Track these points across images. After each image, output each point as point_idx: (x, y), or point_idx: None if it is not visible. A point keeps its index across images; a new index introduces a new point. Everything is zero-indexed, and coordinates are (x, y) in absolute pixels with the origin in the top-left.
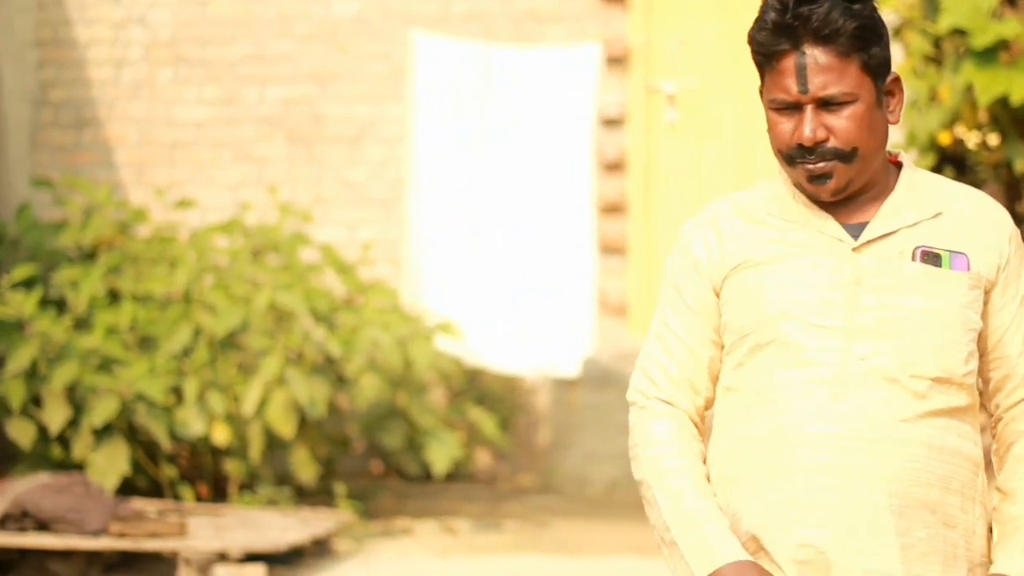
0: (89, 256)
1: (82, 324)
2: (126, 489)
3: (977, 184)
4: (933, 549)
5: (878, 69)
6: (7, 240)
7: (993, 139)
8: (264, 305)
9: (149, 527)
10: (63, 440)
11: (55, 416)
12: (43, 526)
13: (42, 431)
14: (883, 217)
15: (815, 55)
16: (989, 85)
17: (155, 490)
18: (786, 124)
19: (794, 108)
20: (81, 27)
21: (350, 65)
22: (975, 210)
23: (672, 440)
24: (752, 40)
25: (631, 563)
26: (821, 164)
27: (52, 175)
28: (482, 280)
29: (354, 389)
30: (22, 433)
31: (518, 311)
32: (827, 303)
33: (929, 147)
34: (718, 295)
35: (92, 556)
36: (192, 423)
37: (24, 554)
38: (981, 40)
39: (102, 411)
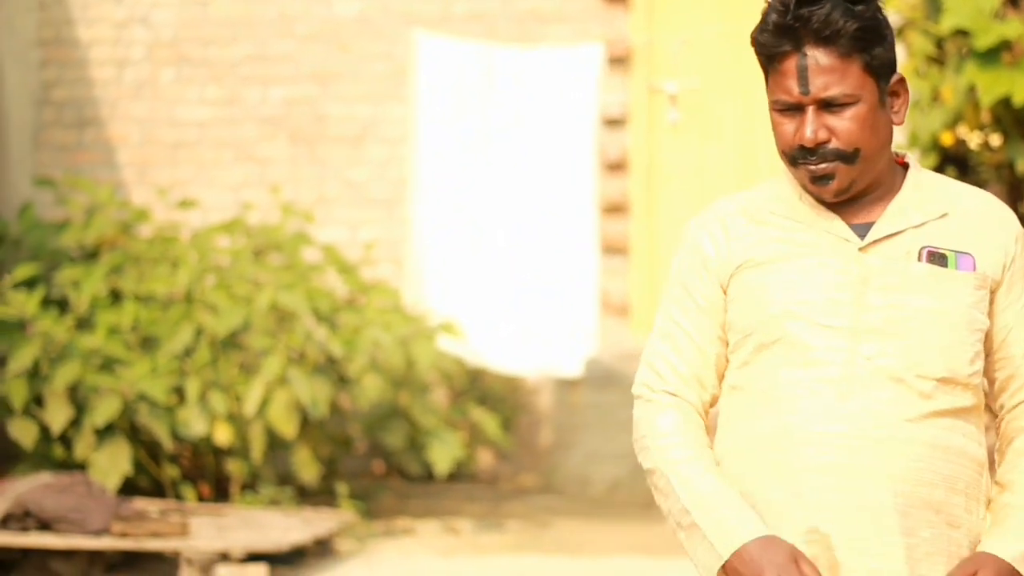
0: (91, 256)
1: (84, 324)
2: (128, 489)
3: (979, 184)
4: (937, 549)
5: (881, 70)
6: (9, 239)
7: (995, 139)
8: (266, 305)
9: (151, 527)
10: (65, 440)
11: (57, 416)
12: (45, 526)
13: (44, 431)
14: (889, 217)
15: (816, 56)
16: (991, 86)
17: (157, 490)
18: (788, 125)
19: (796, 109)
20: (83, 27)
21: (352, 65)
22: (981, 210)
23: (680, 431)
24: (755, 41)
25: (633, 563)
26: (823, 165)
27: (54, 174)
28: (484, 280)
29: (356, 389)
30: (24, 433)
31: (520, 311)
32: (833, 303)
33: (931, 147)
34: (725, 292)
35: (94, 556)
36: (194, 423)
37: (26, 554)
38: (983, 41)
39: (104, 411)
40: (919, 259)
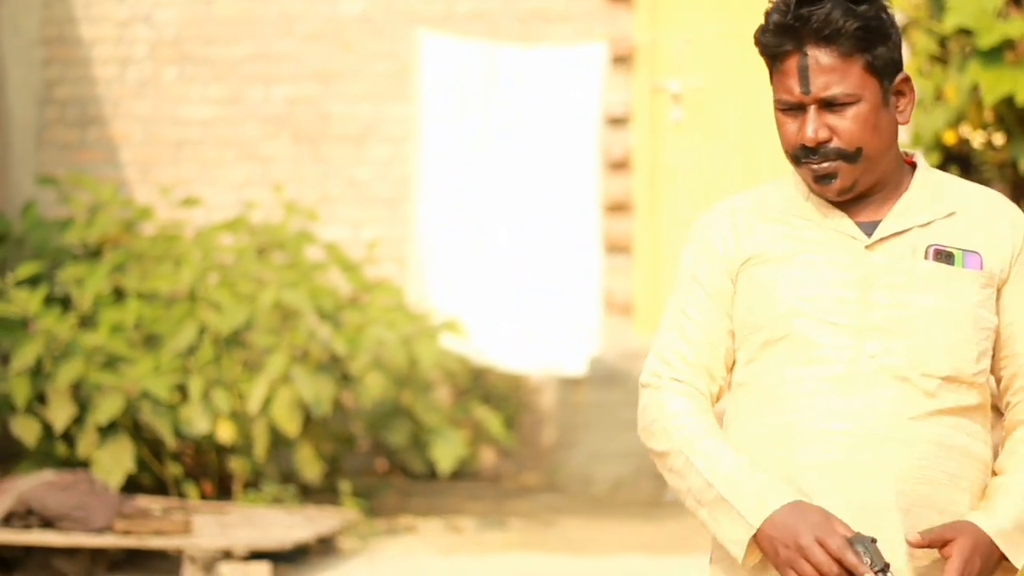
0: (94, 254)
1: (87, 322)
2: (131, 487)
3: (983, 184)
4: None
5: (884, 69)
6: (12, 238)
7: (998, 139)
8: (269, 303)
9: (154, 525)
10: (68, 438)
11: (60, 414)
12: (48, 524)
13: (47, 429)
14: (896, 215)
15: (817, 56)
16: (995, 85)
17: (160, 488)
18: (791, 125)
19: (798, 109)
20: (86, 25)
21: (355, 64)
22: (989, 209)
23: (692, 412)
24: (757, 41)
25: (636, 561)
26: (825, 164)
27: (57, 173)
28: (487, 279)
29: (359, 387)
30: (27, 431)
31: (523, 310)
32: (839, 300)
33: (934, 146)
34: (734, 285)
35: (97, 554)
36: (197, 421)
37: (29, 551)
38: (987, 40)
39: (107, 409)
40: (925, 257)
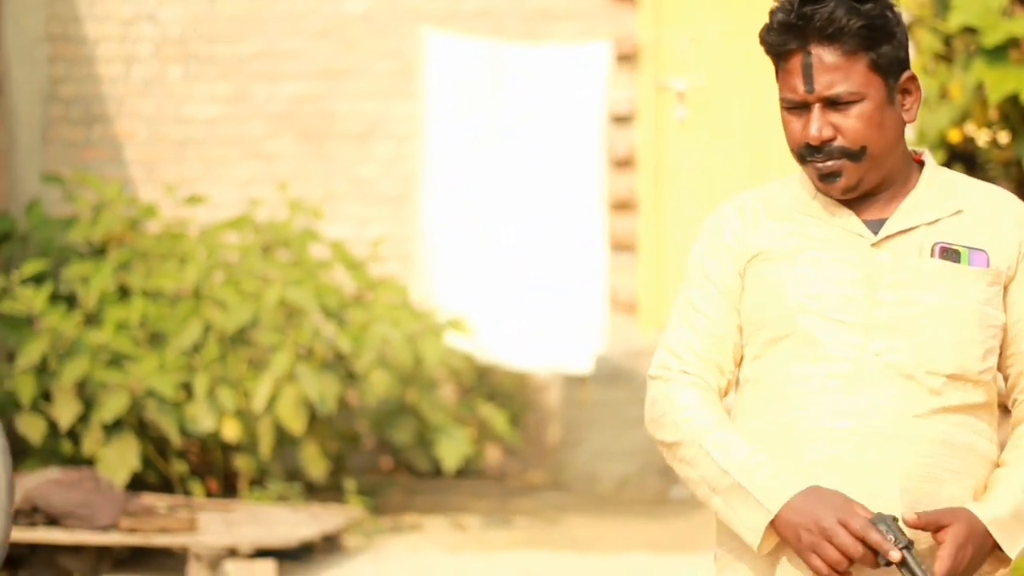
0: (99, 252)
1: (92, 320)
2: (136, 484)
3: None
4: None
5: (889, 68)
6: (17, 236)
7: (1003, 137)
8: (274, 301)
9: (159, 522)
10: (73, 435)
11: (65, 411)
12: (53, 521)
13: (52, 426)
14: (903, 213)
15: (820, 54)
16: (999, 83)
17: (165, 485)
18: (796, 123)
19: (803, 107)
20: (91, 23)
21: (360, 62)
22: (996, 207)
23: (702, 405)
24: (762, 40)
25: (642, 560)
26: (830, 163)
27: (62, 171)
28: (492, 277)
29: (364, 385)
30: (32, 428)
31: (528, 308)
32: (846, 298)
33: (939, 145)
34: (742, 280)
35: (102, 551)
36: (202, 419)
37: (34, 549)
38: (991, 38)
39: (112, 407)
40: (932, 255)
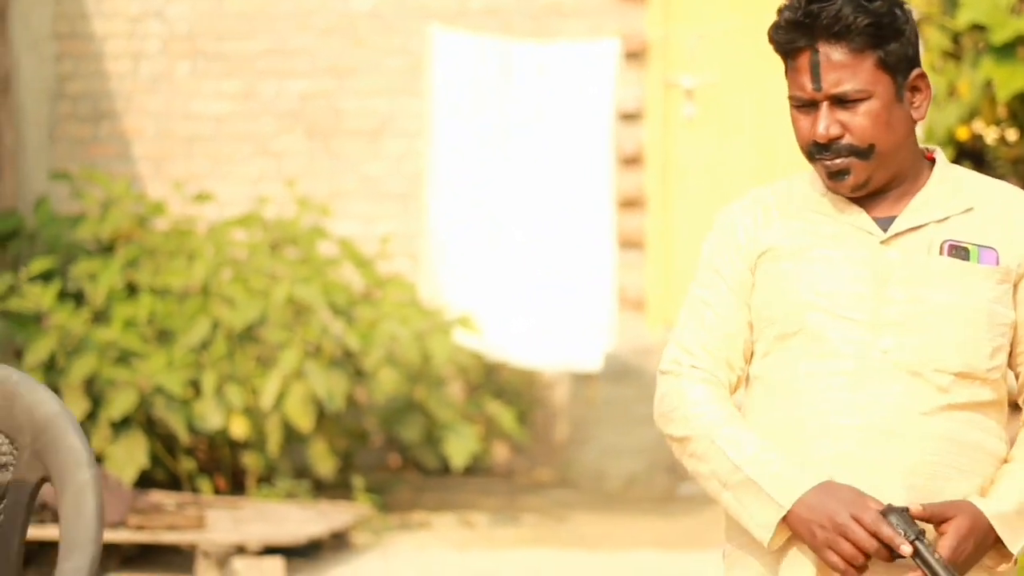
0: (107, 249)
1: (100, 317)
2: (144, 482)
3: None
4: None
5: (897, 65)
6: (25, 233)
7: (1012, 134)
8: (282, 298)
9: (167, 520)
10: None
11: (73, 408)
12: None
13: None
14: (912, 211)
15: (828, 52)
16: (1008, 80)
17: (173, 483)
18: (805, 121)
19: (811, 105)
20: (99, 20)
21: (368, 59)
22: (1007, 205)
23: (712, 400)
24: (771, 38)
25: (650, 557)
26: (838, 161)
27: (70, 168)
28: (500, 274)
29: (372, 382)
30: None
31: (536, 305)
32: (854, 295)
33: (947, 143)
34: (752, 276)
35: (110, 548)
36: (210, 416)
37: (42, 546)
38: (1000, 35)
39: (120, 404)
40: (940, 253)
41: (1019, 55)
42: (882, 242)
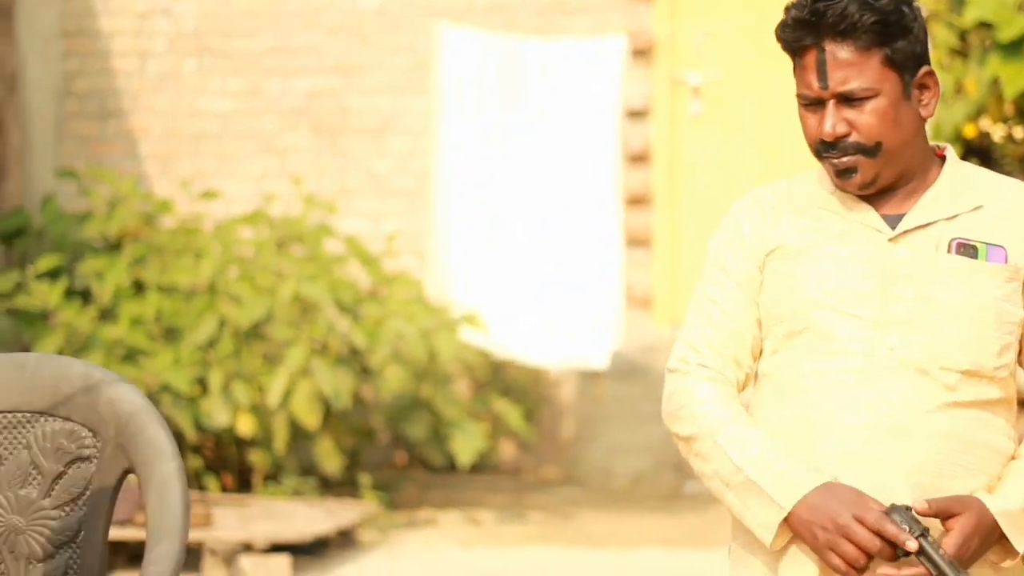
0: (114, 247)
1: (107, 315)
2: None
3: None
4: None
5: (905, 63)
6: (32, 231)
7: (1019, 132)
8: (289, 296)
9: None
10: None
11: None
12: None
13: None
14: (921, 208)
15: (834, 50)
16: (1015, 78)
17: None
18: (812, 119)
19: (818, 103)
20: (105, 18)
21: (374, 57)
22: (1018, 203)
23: (719, 399)
24: (778, 36)
25: (656, 555)
26: (845, 159)
27: (77, 166)
28: (507, 272)
29: (379, 380)
30: None
31: (543, 303)
32: (862, 293)
33: (954, 140)
34: (760, 274)
35: (117, 546)
36: (217, 414)
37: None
38: (1007, 33)
39: None
40: (948, 251)
41: None
42: (890, 240)
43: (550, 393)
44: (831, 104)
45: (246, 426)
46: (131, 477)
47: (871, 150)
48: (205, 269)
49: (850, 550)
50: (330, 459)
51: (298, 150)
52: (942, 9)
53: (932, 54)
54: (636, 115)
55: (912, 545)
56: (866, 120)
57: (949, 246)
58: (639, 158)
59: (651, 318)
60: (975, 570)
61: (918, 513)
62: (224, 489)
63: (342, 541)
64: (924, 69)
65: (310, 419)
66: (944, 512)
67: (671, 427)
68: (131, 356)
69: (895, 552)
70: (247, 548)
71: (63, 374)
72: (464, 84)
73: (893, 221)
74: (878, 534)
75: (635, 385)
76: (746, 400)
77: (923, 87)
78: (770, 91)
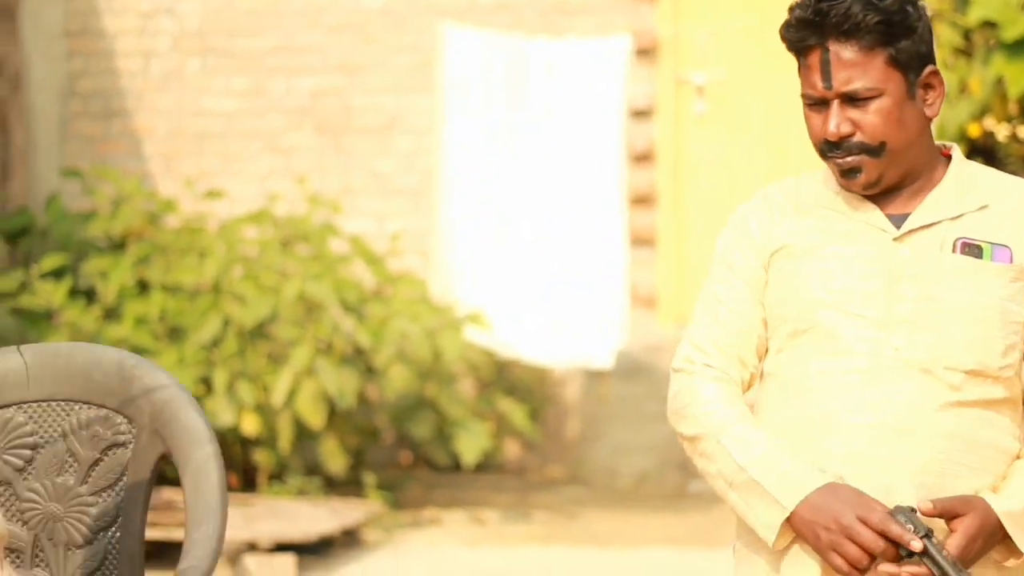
0: (118, 246)
1: (111, 314)
2: (156, 479)
3: None
4: None
5: (909, 63)
6: (36, 230)
7: (1023, 131)
8: (293, 295)
9: (179, 517)
10: None
11: None
12: None
13: None
14: (926, 208)
15: (838, 50)
16: (1019, 77)
17: None
18: (816, 119)
19: (822, 103)
20: (109, 17)
21: (378, 56)
22: (1023, 202)
23: (723, 399)
24: (783, 36)
25: (661, 554)
26: (849, 159)
27: (81, 165)
28: (511, 271)
29: (383, 380)
30: None
31: (548, 303)
32: (866, 293)
33: (959, 139)
34: (766, 273)
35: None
36: (222, 413)
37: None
38: (1011, 32)
39: None
40: (953, 250)
41: None
42: (895, 239)
43: (555, 392)
44: (835, 104)
45: (250, 425)
46: None
47: (875, 150)
48: (209, 268)
49: (853, 550)
50: (335, 458)
51: (302, 149)
52: (946, 8)
53: (936, 54)
54: (640, 114)
55: (917, 545)
56: (870, 120)
57: (954, 246)
58: (643, 157)
59: (656, 317)
60: (979, 569)
61: (923, 514)
62: (229, 488)
63: (347, 540)
64: (929, 69)
65: (315, 418)
66: (948, 512)
67: (676, 427)
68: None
69: (898, 553)
70: (252, 547)
71: (97, 362)
72: (468, 83)
73: (898, 220)
74: (882, 534)
75: (640, 384)
76: (752, 399)
77: (928, 87)
78: (775, 90)
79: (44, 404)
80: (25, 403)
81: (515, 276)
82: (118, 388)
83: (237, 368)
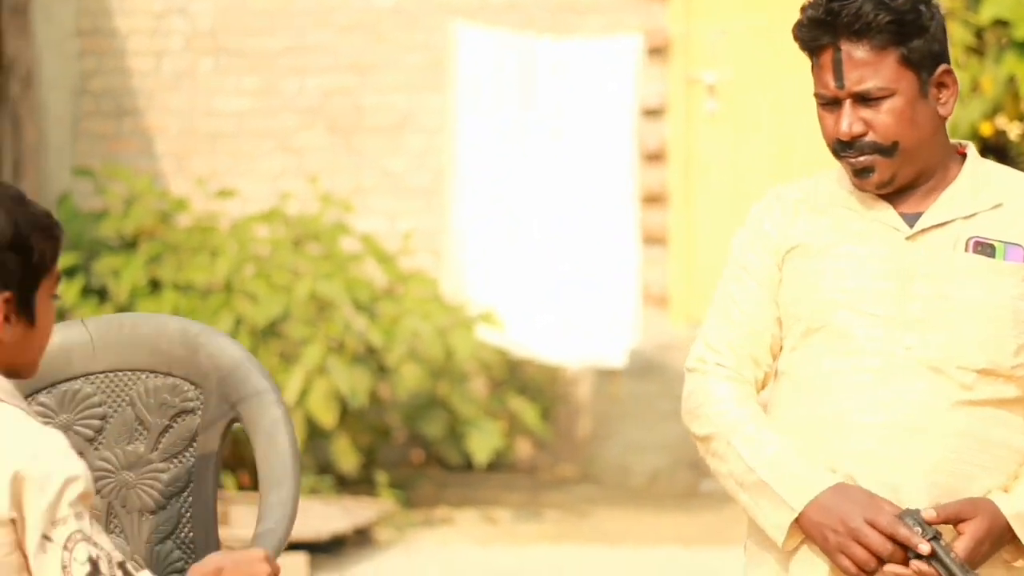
0: (130, 245)
1: (123, 313)
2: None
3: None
4: None
5: (921, 62)
6: None
7: None
8: (305, 294)
9: None
10: None
11: None
12: None
13: None
14: (939, 207)
15: (850, 50)
16: None
17: None
18: (829, 119)
19: (835, 103)
20: (121, 17)
21: (390, 55)
22: None
23: (736, 399)
24: (795, 36)
25: (673, 553)
26: (862, 158)
27: (93, 165)
28: (523, 270)
29: (395, 378)
30: None
31: (560, 302)
32: (879, 292)
33: (971, 138)
34: (780, 272)
35: None
36: None
37: None
38: (1023, 31)
39: None
40: (966, 249)
41: None
42: (908, 238)
43: (567, 391)
44: (847, 104)
45: None
46: None
47: (888, 149)
48: (221, 267)
49: (860, 553)
50: (347, 457)
51: (314, 148)
52: (958, 7)
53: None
54: (652, 113)
55: (924, 548)
56: (883, 120)
57: (967, 245)
58: (655, 156)
59: (667, 316)
60: (988, 569)
61: (928, 521)
62: (241, 487)
63: (359, 539)
64: (942, 68)
65: (327, 417)
66: (954, 518)
67: (689, 426)
68: None
69: (906, 555)
70: None
71: (161, 330)
72: (480, 82)
73: (912, 219)
74: (890, 537)
75: (651, 383)
76: (766, 398)
77: (941, 86)
78: (785, 89)
79: (111, 375)
80: (92, 374)
81: (527, 275)
82: (184, 356)
83: None
